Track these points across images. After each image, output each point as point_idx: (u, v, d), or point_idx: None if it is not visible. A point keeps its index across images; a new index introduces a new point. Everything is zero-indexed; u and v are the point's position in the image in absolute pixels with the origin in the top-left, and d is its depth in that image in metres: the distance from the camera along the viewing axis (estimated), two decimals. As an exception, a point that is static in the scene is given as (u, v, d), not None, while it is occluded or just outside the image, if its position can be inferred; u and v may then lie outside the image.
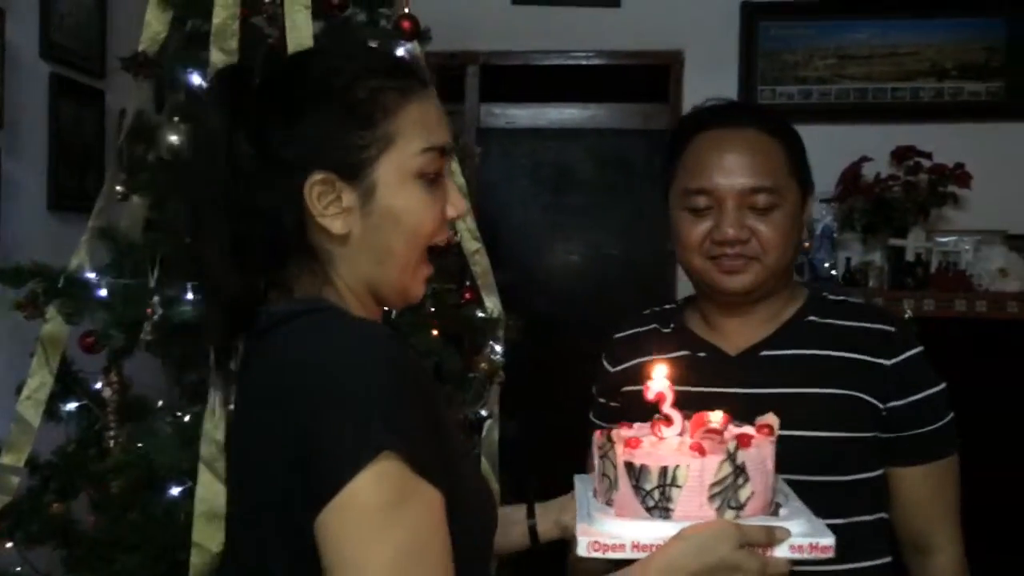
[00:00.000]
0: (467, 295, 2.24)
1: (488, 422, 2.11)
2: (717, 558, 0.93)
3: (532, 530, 1.20)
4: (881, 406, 1.27)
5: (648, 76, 3.59)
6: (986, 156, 3.26)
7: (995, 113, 3.36)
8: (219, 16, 1.66)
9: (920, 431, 1.28)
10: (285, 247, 0.97)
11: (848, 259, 3.34)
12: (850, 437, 1.26)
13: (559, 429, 2.38)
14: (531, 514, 1.21)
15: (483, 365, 2.07)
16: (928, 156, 3.22)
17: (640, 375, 1.19)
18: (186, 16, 1.87)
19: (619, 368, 1.43)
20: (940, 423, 1.30)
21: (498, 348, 2.11)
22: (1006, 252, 3.14)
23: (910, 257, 3.22)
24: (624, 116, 3.76)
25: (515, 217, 3.82)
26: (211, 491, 1.59)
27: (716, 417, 1.04)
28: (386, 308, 1.07)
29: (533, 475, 2.99)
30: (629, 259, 3.75)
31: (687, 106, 3.49)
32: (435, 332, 2.08)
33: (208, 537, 1.58)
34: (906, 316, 2.95)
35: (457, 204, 1.02)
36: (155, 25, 1.81)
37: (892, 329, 1.31)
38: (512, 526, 1.20)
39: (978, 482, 2.71)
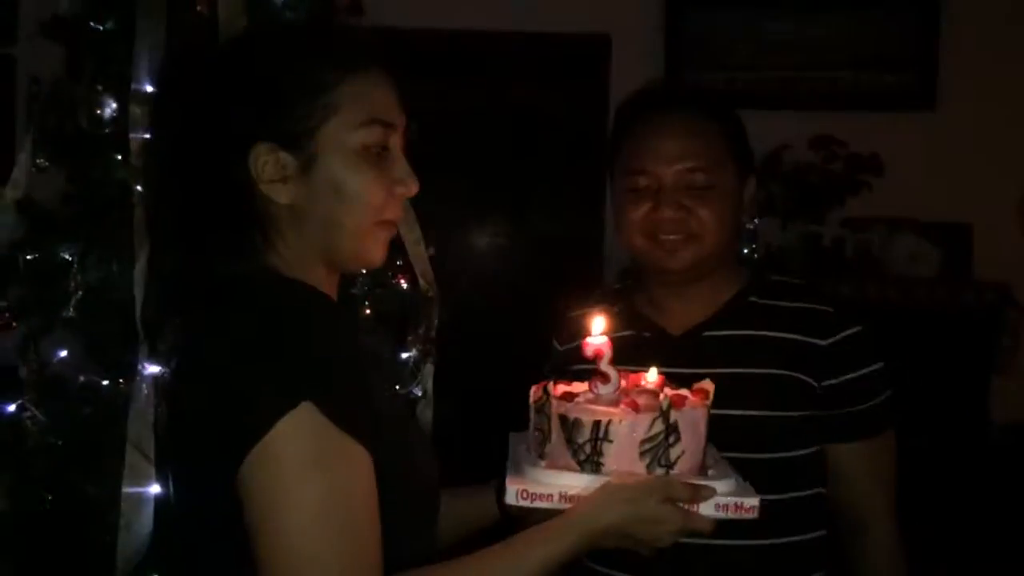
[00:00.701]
0: (401, 273, 2.22)
1: (422, 401, 2.10)
2: (641, 510, 0.95)
3: (501, 503, 1.19)
4: (816, 385, 1.31)
5: (576, 58, 3.61)
6: (899, 145, 3.39)
7: (908, 103, 3.48)
8: (146, -20, 1.60)
9: (854, 408, 1.33)
10: (232, 216, 0.99)
11: (768, 244, 3.42)
12: (787, 415, 1.30)
13: (487, 409, 2.39)
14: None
15: (417, 345, 2.06)
16: (844, 144, 3.32)
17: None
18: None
19: (568, 347, 1.44)
20: (874, 401, 1.35)
21: (432, 327, 2.10)
22: (916, 239, 3.27)
23: (826, 243, 3.32)
24: (553, 97, 3.77)
25: (440, 197, 3.79)
26: (139, 471, 1.54)
27: (651, 376, 1.07)
28: (347, 273, 1.09)
29: (460, 455, 3.00)
30: (556, 238, 3.77)
31: (614, 89, 3.54)
32: (368, 311, 2.06)
33: (136, 518, 1.54)
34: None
35: (407, 182, 1.03)
36: (76, -12, 1.73)
37: (830, 309, 1.35)
38: (482, 500, 1.22)
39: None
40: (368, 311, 2.05)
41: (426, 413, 2.11)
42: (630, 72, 3.46)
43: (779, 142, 3.34)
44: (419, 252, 2.09)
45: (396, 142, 1.03)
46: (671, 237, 1.32)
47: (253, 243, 1.00)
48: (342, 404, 0.87)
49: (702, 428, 1.02)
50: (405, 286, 2.16)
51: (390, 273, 2.13)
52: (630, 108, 1.42)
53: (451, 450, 2.73)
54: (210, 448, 0.89)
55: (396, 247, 2.19)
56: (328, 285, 1.04)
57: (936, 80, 3.46)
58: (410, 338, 2.07)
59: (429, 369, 2.11)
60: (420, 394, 2.07)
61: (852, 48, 3.48)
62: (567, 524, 0.96)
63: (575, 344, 1.42)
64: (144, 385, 1.56)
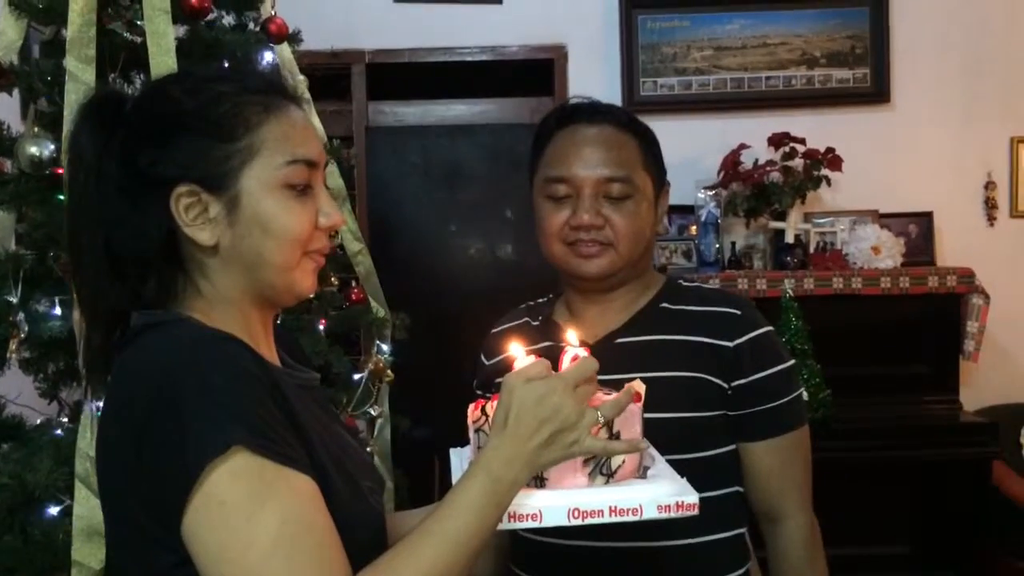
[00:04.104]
0: (355, 295, 2.24)
1: (379, 421, 2.12)
2: (550, 409, 0.94)
3: None
4: (726, 385, 1.34)
5: (533, 71, 3.63)
6: (856, 140, 3.43)
7: (862, 99, 3.52)
8: (75, 24, 1.62)
9: (764, 407, 1.35)
10: (155, 260, 0.99)
11: (733, 243, 3.45)
12: (700, 416, 1.32)
13: (460, 426, 2.40)
14: None
15: (371, 365, 2.08)
16: (802, 141, 3.35)
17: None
18: (43, 23, 1.82)
19: (493, 361, 1.48)
20: (785, 399, 1.37)
21: (385, 347, 2.12)
22: (878, 230, 3.29)
23: (790, 239, 3.35)
24: (511, 111, 3.79)
25: (408, 215, 3.82)
26: (88, 508, 1.56)
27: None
28: (280, 308, 1.08)
29: (433, 472, 3.02)
30: (522, 252, 3.78)
31: (572, 99, 3.56)
32: (322, 334, 2.08)
33: (88, 555, 1.56)
34: (788, 295, 3.06)
35: (330, 214, 1.03)
36: (10, 33, 1.76)
37: (737, 312, 1.38)
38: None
39: (850, 446, 2.88)
40: (323, 334, 2.07)
41: (384, 432, 2.13)
42: (588, 80, 3.50)
43: (738, 142, 3.37)
44: (366, 271, 2.11)
45: (318, 178, 1.04)
46: (588, 243, 1.35)
47: (176, 287, 1.01)
48: (273, 440, 0.87)
49: (638, 429, 1.04)
50: (359, 306, 2.18)
51: (343, 295, 2.16)
52: (552, 120, 1.45)
53: (420, 468, 2.75)
54: (143, 504, 0.89)
55: (350, 269, 2.23)
56: (259, 322, 1.04)
57: (889, 74, 3.50)
58: (364, 358, 2.09)
59: (385, 389, 2.13)
60: (376, 414, 2.09)
61: (804, 47, 3.52)
62: (469, 468, 0.96)
63: (500, 359, 1.45)
64: (89, 422, 1.58)
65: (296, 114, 1.03)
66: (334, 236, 2.12)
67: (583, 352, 1.03)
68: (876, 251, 3.26)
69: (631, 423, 1.02)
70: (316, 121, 2.05)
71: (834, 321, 3.11)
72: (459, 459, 1.14)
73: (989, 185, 3.54)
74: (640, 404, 1.05)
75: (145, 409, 0.88)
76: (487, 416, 1.03)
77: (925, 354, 3.18)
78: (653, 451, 1.11)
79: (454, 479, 1.08)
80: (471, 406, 1.08)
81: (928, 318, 3.18)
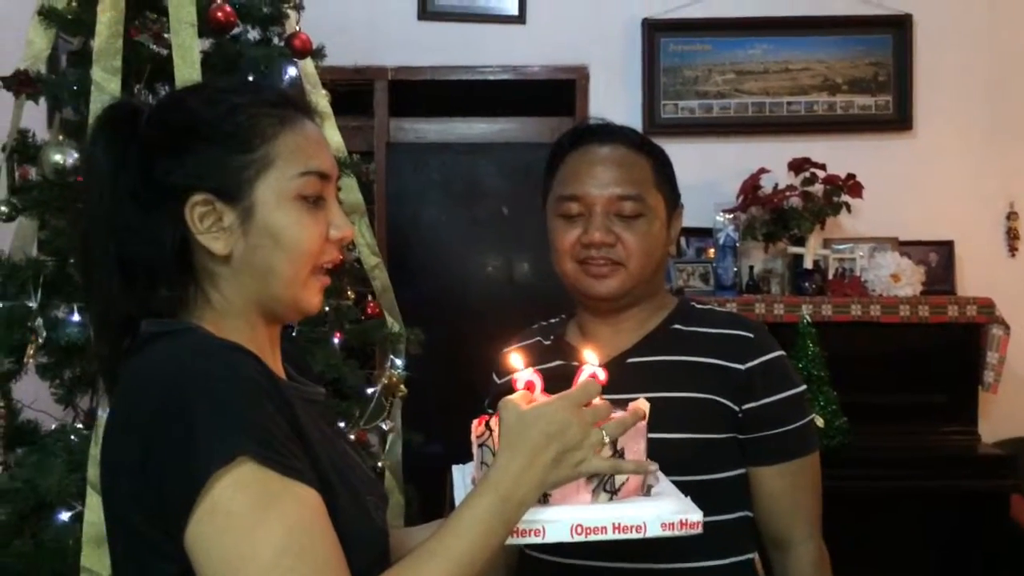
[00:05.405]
0: (371, 309, 2.25)
1: (391, 436, 2.12)
2: (556, 427, 0.96)
3: None
4: (737, 408, 1.33)
5: (555, 91, 3.65)
6: (877, 167, 3.41)
7: (884, 126, 3.51)
8: (102, 35, 1.64)
9: (775, 432, 1.34)
10: (168, 268, 1.00)
11: (751, 267, 3.44)
12: (709, 438, 1.32)
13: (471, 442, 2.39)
14: None
15: (384, 379, 2.08)
16: (822, 167, 3.34)
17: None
18: (71, 34, 1.85)
19: (504, 380, 1.47)
20: (796, 424, 1.36)
21: (399, 362, 2.12)
22: (898, 258, 3.27)
23: (808, 264, 3.33)
24: (532, 130, 3.81)
25: (426, 230, 3.83)
26: (99, 514, 1.56)
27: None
28: (286, 323, 1.09)
29: (445, 488, 3.01)
30: (539, 271, 3.78)
31: (593, 120, 3.57)
32: (337, 347, 2.09)
33: (97, 562, 1.56)
34: (805, 321, 3.05)
35: (342, 227, 1.05)
36: (38, 43, 1.78)
37: (750, 335, 1.37)
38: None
39: (866, 475, 2.85)
40: (337, 347, 2.08)
41: (396, 448, 2.13)
42: (609, 102, 3.51)
43: (757, 166, 3.37)
44: (382, 286, 2.12)
45: (330, 191, 1.05)
46: (599, 261, 1.36)
47: (186, 296, 1.01)
48: (278, 450, 0.87)
49: (642, 447, 1.03)
50: (375, 320, 2.18)
51: (358, 309, 2.16)
52: (566, 140, 1.46)
53: (434, 484, 2.74)
54: (146, 512, 0.88)
55: (367, 283, 2.23)
56: (266, 335, 1.05)
57: (911, 102, 3.48)
58: (377, 373, 2.09)
59: (398, 404, 2.13)
60: (388, 428, 2.09)
61: (826, 72, 3.52)
62: (477, 487, 0.96)
63: (508, 378, 1.45)
64: (102, 429, 1.58)
65: (310, 127, 1.04)
66: (351, 249, 2.13)
67: (600, 371, 1.04)
68: (895, 279, 3.24)
69: (635, 440, 1.02)
70: (334, 135, 2.07)
71: (852, 348, 3.09)
72: (461, 475, 1.14)
73: (1011, 215, 3.51)
74: (644, 422, 1.05)
75: (151, 417, 0.88)
76: (491, 431, 1.03)
77: (943, 384, 3.15)
78: (657, 471, 1.10)
79: (456, 495, 1.08)
80: (475, 421, 1.09)
81: (947, 348, 3.15)
